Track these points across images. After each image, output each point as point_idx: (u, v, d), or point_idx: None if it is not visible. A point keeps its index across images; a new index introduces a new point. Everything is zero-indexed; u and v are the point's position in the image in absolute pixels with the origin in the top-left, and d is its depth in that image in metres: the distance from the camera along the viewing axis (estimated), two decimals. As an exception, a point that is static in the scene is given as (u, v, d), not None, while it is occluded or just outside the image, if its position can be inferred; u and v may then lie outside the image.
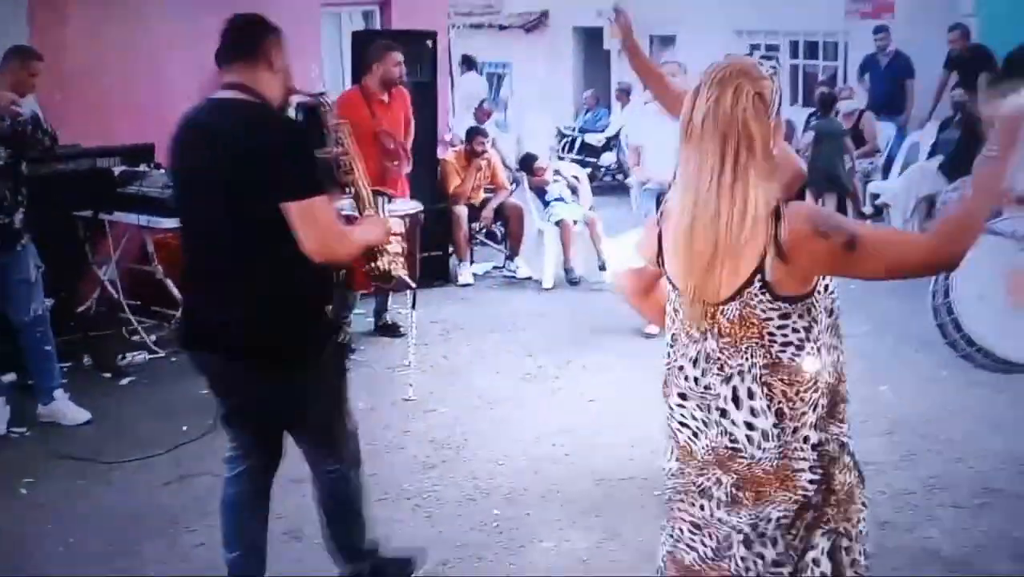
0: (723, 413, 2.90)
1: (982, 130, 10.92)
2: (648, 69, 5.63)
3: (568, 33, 20.46)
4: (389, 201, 5.32)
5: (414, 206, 7.13)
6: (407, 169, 8.50)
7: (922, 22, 13.65)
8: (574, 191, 10.85)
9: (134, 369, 7.84)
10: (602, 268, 10.17)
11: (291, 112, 8.34)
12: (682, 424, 2.99)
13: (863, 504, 3.06)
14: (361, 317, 8.61)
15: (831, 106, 12.56)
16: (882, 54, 13.74)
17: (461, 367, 7.81)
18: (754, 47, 17.14)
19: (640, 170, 9.11)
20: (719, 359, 2.90)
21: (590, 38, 19.69)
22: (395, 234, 4.77)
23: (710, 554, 3.00)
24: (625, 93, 16.70)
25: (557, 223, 10.40)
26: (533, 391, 7.23)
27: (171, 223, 8.15)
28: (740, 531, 2.95)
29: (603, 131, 16.84)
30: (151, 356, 8.06)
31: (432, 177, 10.42)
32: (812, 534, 2.94)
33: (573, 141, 16.96)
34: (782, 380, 2.86)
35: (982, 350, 4.96)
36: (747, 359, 2.87)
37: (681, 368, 2.97)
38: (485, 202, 10.82)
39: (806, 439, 2.90)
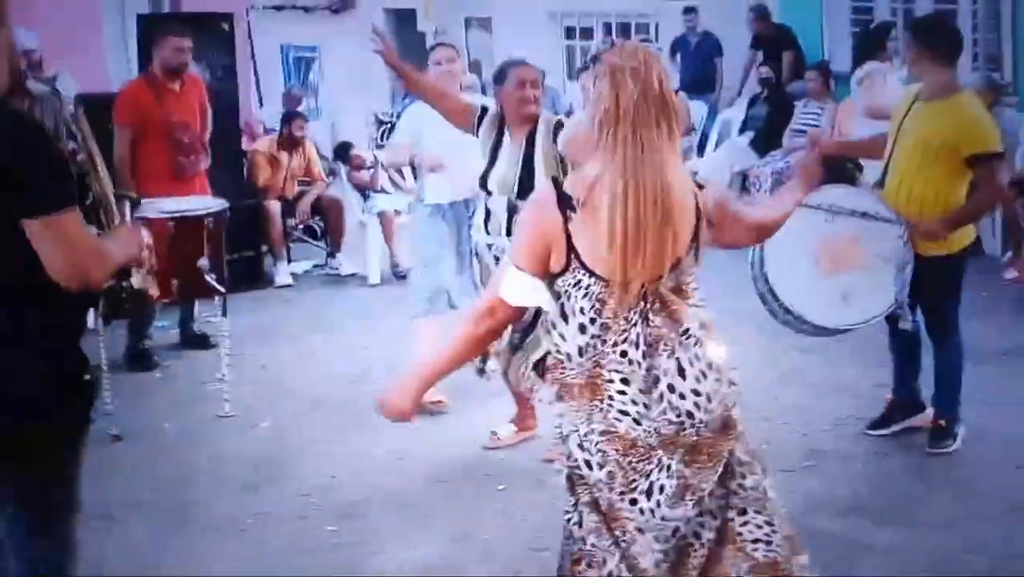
0: (670, 388, 3.06)
1: (788, 104, 11.47)
2: (428, 89, 5.80)
3: (379, 15, 20.30)
4: (136, 206, 5.00)
5: (218, 204, 6.80)
6: (206, 164, 7.92)
7: (728, 3, 14.06)
8: (395, 182, 10.56)
9: None
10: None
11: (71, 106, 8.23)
12: (622, 412, 3.09)
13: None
14: (163, 329, 8.12)
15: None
16: (692, 34, 14.16)
17: (283, 375, 7.39)
18: (569, 30, 17.40)
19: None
20: (662, 335, 3.06)
21: (402, 19, 19.56)
22: (147, 247, 3.84)
23: (661, 557, 3.16)
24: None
25: (379, 214, 10.23)
26: (364, 394, 6.61)
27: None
28: (688, 519, 3.15)
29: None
30: None
31: (236, 171, 10.04)
32: (749, 467, 3.24)
33: (392, 127, 16.77)
34: (707, 336, 3.12)
35: (799, 317, 5.23)
36: (687, 326, 3.08)
37: (624, 353, 3.07)
38: (300, 196, 10.46)
39: (731, 382, 3.18)
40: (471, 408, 6.42)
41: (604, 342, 3.08)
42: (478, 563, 4.80)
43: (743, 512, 3.23)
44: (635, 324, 3.06)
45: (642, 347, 3.05)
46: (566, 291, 3.11)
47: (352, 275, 10.14)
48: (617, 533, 3.17)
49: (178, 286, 6.47)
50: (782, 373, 6.88)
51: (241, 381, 6.97)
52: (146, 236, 3.71)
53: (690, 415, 3.07)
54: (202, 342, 7.93)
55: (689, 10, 14.17)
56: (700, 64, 13.96)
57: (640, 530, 3.14)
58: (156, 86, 7.73)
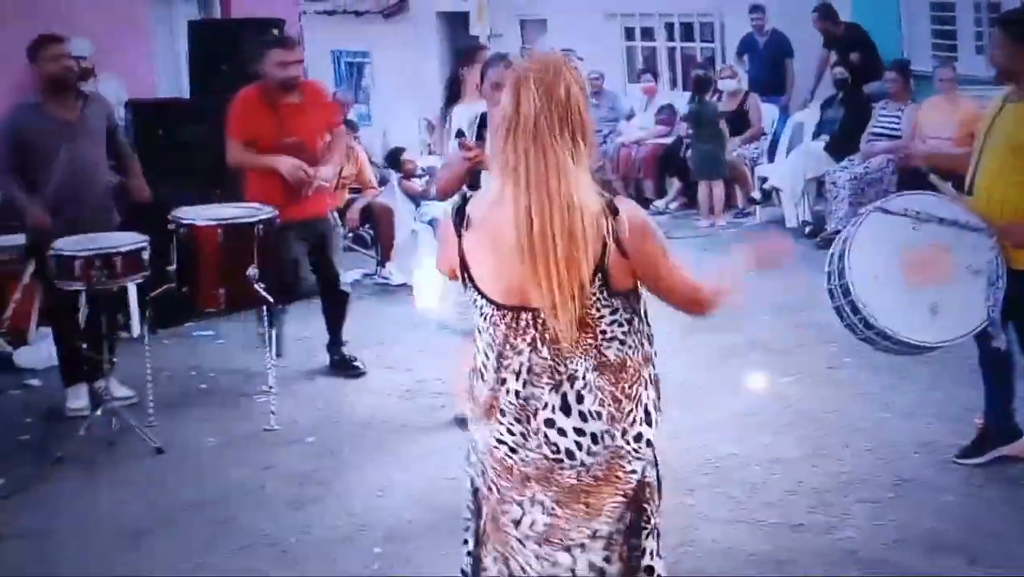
0: (548, 423, 2.97)
1: (866, 106, 11.27)
2: None
3: (431, 19, 20.33)
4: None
5: (267, 211, 6.67)
6: (329, 184, 7.52)
7: (798, 1, 13.86)
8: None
9: None
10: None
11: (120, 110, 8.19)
12: (499, 440, 3.03)
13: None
14: (210, 339, 8.32)
15: (706, 89, 12.72)
16: (759, 34, 13.92)
17: (330, 389, 7.36)
18: (629, 30, 17.27)
19: None
20: (548, 367, 2.96)
21: (455, 23, 19.60)
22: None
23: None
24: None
25: (431, 222, 10.19)
26: (413, 410, 6.86)
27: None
28: (556, 564, 3.04)
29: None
30: None
31: None
32: (639, 537, 3.10)
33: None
34: (610, 380, 2.99)
35: (880, 332, 5.04)
36: (580, 363, 2.96)
37: (503, 381, 3.00)
38: (350, 204, 10.43)
39: (637, 436, 3.04)
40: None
41: (498, 368, 3.01)
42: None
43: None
44: (521, 352, 2.97)
45: (523, 377, 2.97)
46: (472, 306, 3.08)
47: (403, 285, 10.09)
48: (499, 547, 3.13)
49: (225, 295, 6.49)
50: (861, 394, 6.70)
51: (287, 394, 6.97)
52: None
53: (570, 454, 2.98)
54: (351, 368, 7.60)
55: (756, 8, 13.94)
56: (769, 65, 13.75)
57: (517, 549, 3.09)
58: (271, 99, 7.26)
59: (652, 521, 3.14)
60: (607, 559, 3.07)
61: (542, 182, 2.84)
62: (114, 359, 6.72)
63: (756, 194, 12.51)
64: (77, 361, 6.89)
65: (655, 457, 3.16)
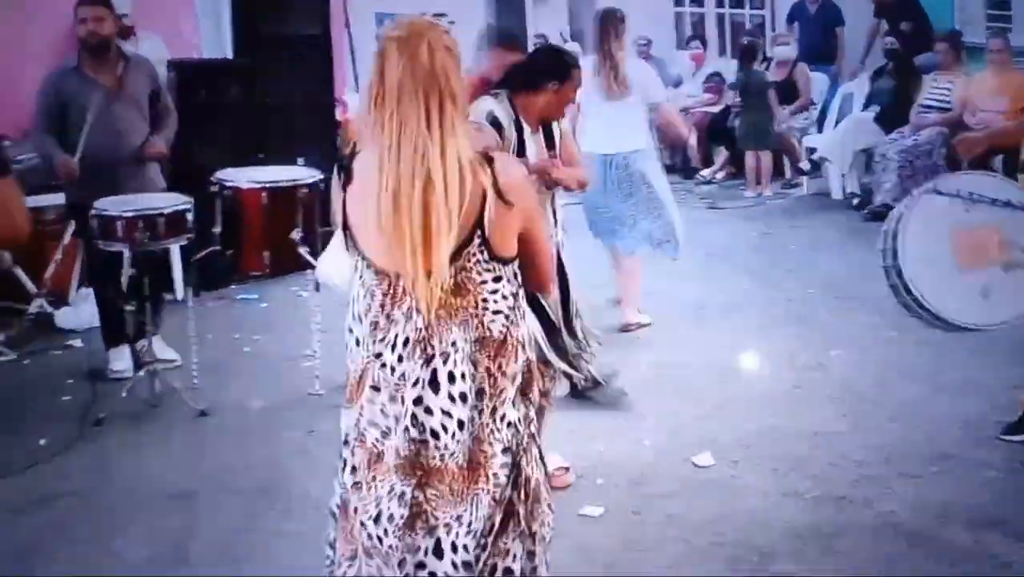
0: (417, 400, 2.87)
1: (916, 78, 11.22)
2: None
3: (477, -13, 20.28)
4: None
5: (311, 175, 6.70)
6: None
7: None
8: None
9: None
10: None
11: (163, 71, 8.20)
12: (371, 423, 2.93)
13: (549, 506, 3.09)
14: (253, 301, 8.43)
15: (754, 57, 12.70)
16: (810, 1, 13.87)
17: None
18: (678, 1, 17.22)
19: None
20: (423, 339, 2.86)
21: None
22: None
23: None
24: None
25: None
26: None
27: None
28: (416, 549, 2.91)
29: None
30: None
31: (330, 143, 9.80)
32: (504, 537, 2.95)
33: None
34: (488, 356, 2.90)
35: (933, 313, 5.07)
36: (459, 334, 2.86)
37: (379, 355, 2.90)
38: None
39: (503, 417, 2.93)
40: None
41: (374, 341, 2.91)
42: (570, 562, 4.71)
43: None
44: (397, 323, 2.88)
45: (398, 350, 2.87)
46: (354, 271, 2.99)
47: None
48: (351, 549, 3.04)
49: (270, 259, 6.53)
50: (909, 369, 6.72)
51: (330, 358, 6.81)
52: None
53: (435, 434, 2.88)
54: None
55: (807, -25, 13.90)
56: (819, 33, 13.69)
57: (368, 553, 2.98)
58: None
59: (523, 525, 3.00)
60: (467, 547, 2.92)
61: (399, 149, 2.80)
62: (158, 321, 6.83)
63: (804, 165, 12.50)
64: (119, 323, 7.00)
65: (535, 453, 3.06)
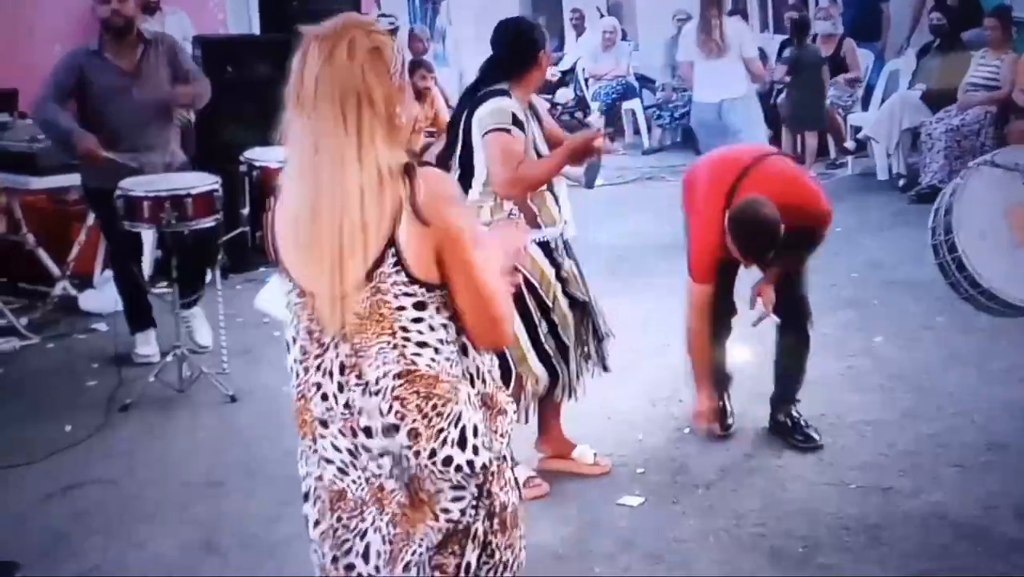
0: (368, 432, 2.69)
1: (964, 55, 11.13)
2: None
3: (514, -48, 20.20)
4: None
5: None
6: None
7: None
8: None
9: (0, 359, 7.44)
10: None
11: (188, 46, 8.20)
12: (326, 460, 2.77)
13: (522, 533, 2.94)
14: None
15: (806, 32, 12.55)
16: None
17: None
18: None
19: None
20: (355, 365, 2.67)
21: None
22: None
23: None
24: (580, 21, 16.63)
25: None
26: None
27: (43, 183, 8.06)
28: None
29: (557, 64, 16.72)
30: (22, 343, 7.67)
31: None
32: (477, 569, 2.80)
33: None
34: (417, 392, 2.66)
35: (985, 292, 5.02)
36: (380, 364, 2.66)
37: (318, 386, 2.72)
38: (426, 148, 10.08)
39: (446, 460, 2.68)
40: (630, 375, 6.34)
41: (306, 369, 2.74)
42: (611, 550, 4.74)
43: None
44: (327, 348, 2.70)
45: (337, 378, 2.69)
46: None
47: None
48: None
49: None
50: (957, 356, 6.68)
51: None
52: None
53: (385, 472, 2.71)
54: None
55: (851, -53, 13.79)
56: (864, 8, 13.60)
57: None
58: None
59: (496, 556, 2.85)
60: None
61: (313, 164, 2.63)
62: (195, 303, 6.89)
63: (849, 144, 12.43)
64: (144, 307, 7.03)
65: (509, 476, 2.87)
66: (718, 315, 5.44)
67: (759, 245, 5.01)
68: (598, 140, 4.98)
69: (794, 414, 5.61)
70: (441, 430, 2.66)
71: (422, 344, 2.67)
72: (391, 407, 2.65)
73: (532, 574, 4.37)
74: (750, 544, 4.69)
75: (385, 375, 2.65)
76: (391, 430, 2.66)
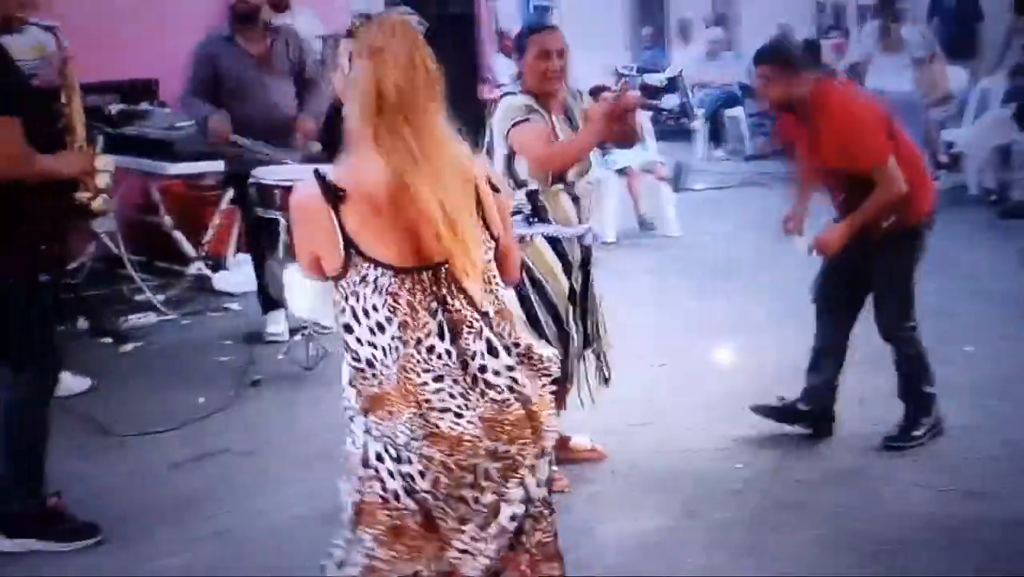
0: (482, 368, 2.91)
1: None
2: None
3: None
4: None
5: None
6: None
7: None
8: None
9: (139, 333, 7.52)
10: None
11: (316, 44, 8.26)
12: (443, 409, 2.89)
13: None
14: None
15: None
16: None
17: None
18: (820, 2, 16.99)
19: None
20: (463, 317, 2.90)
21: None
22: (105, 172, 4.89)
23: (480, 547, 2.98)
24: (686, 30, 16.57)
25: (620, 171, 10.31)
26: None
27: (180, 168, 8.15)
28: (510, 500, 2.99)
29: (663, 71, 16.67)
30: (159, 318, 7.80)
31: (476, 120, 10.00)
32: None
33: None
34: (509, 323, 3.00)
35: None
36: (486, 309, 2.94)
37: (431, 349, 2.87)
38: None
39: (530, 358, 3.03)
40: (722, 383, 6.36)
41: (406, 342, 2.86)
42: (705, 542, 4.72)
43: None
44: (435, 313, 2.88)
45: (447, 335, 2.88)
46: (353, 292, 2.88)
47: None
48: (427, 556, 2.98)
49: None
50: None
51: None
52: (108, 164, 4.91)
53: (511, 388, 2.94)
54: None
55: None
56: (958, 27, 13.42)
57: (463, 520, 2.96)
58: None
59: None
60: (542, 475, 3.08)
61: (425, 157, 2.83)
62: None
63: (943, 158, 12.26)
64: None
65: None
66: None
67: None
68: (625, 101, 4.79)
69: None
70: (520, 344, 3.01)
71: (497, 284, 3.01)
72: (502, 332, 2.96)
73: (626, 563, 4.46)
74: (835, 542, 4.64)
75: (491, 310, 2.95)
76: (510, 351, 2.96)
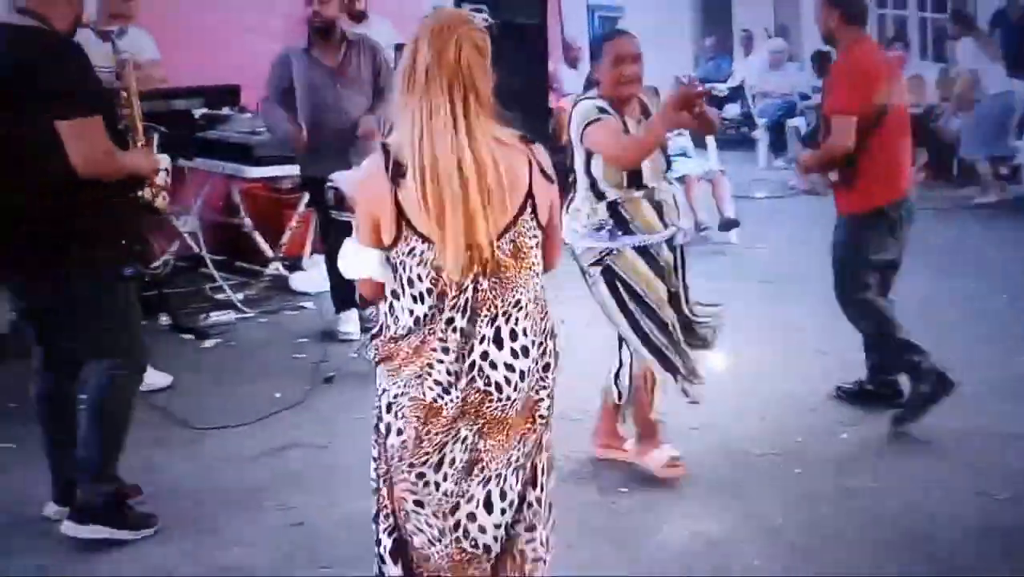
0: (483, 355, 3.00)
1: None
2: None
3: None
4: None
5: None
6: None
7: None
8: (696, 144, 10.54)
9: (219, 330, 7.61)
10: (723, 227, 10.14)
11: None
12: (436, 381, 3.00)
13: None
14: None
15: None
16: (1013, 8, 13.43)
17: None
18: (881, 3, 16.81)
19: None
20: (488, 300, 2.98)
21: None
22: (162, 169, 5.01)
23: (436, 534, 3.10)
24: (749, 40, 16.46)
25: (679, 179, 10.24)
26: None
27: (259, 172, 8.25)
28: (470, 498, 3.07)
29: (726, 80, 16.61)
30: (238, 316, 7.88)
31: (543, 127, 9.90)
32: (538, 456, 3.16)
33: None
34: (539, 312, 3.08)
35: None
36: (523, 293, 3.02)
37: (450, 321, 2.98)
38: None
39: (546, 367, 3.13)
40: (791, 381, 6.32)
41: (440, 311, 2.98)
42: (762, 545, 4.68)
43: (531, 528, 3.20)
44: (466, 290, 2.97)
45: (467, 313, 2.98)
46: (401, 261, 2.98)
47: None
48: (392, 509, 3.14)
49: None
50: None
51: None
52: (164, 162, 5.01)
53: (499, 387, 3.02)
54: None
55: (1009, -19, 13.45)
56: (1020, 40, 13.22)
57: (419, 504, 3.09)
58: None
59: (543, 441, 3.20)
60: (512, 485, 3.11)
61: (431, 138, 2.88)
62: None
63: (1003, 169, 12.12)
64: (349, 289, 7.16)
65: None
66: None
67: None
68: (690, 92, 4.60)
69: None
70: (542, 343, 3.11)
71: (537, 272, 3.08)
72: (527, 327, 3.03)
73: (684, 565, 4.45)
74: (889, 546, 4.60)
75: (528, 301, 3.03)
76: (522, 353, 3.03)
